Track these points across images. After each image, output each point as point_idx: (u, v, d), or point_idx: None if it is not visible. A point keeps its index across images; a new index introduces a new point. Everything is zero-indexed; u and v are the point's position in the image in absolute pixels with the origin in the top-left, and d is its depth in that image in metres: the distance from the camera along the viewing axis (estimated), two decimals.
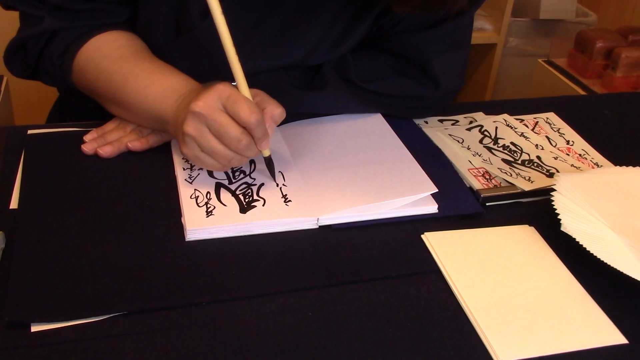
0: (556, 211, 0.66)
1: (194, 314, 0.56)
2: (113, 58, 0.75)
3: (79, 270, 0.59)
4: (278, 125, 0.81)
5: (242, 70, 0.66)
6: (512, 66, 2.09)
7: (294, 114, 0.83)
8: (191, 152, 0.67)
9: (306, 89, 0.82)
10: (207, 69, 0.74)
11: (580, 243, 0.63)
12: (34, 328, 0.53)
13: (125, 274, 0.59)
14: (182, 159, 0.75)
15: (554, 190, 0.69)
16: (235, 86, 0.67)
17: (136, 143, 0.75)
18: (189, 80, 0.73)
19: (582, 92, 1.44)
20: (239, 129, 0.65)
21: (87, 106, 0.89)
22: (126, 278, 0.58)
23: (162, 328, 0.54)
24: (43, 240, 0.62)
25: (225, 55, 0.65)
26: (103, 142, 0.75)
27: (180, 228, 0.65)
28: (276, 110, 0.68)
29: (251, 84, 0.68)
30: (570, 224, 0.65)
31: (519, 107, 0.96)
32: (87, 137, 0.76)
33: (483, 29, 2.00)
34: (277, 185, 0.71)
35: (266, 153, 0.71)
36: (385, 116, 0.86)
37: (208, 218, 0.65)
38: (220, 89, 0.65)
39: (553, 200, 0.68)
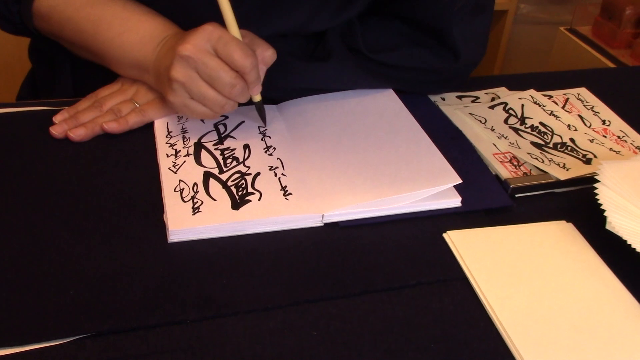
0: (602, 207, 0.57)
1: (176, 334, 0.48)
2: (77, 4, 0.69)
3: (40, 280, 0.50)
4: (276, 104, 0.73)
5: (231, 9, 0.61)
6: (524, 34, 1.99)
7: (294, 89, 0.74)
8: (179, 99, 0.63)
9: (308, 60, 0.73)
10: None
11: (631, 245, 0.54)
12: None
13: (94, 285, 0.50)
14: (166, 143, 0.65)
15: (595, 180, 0.60)
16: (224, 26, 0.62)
17: (113, 124, 0.66)
18: (167, 24, 0.68)
19: (610, 64, 1.33)
20: (232, 73, 0.61)
21: (62, 80, 0.80)
22: (96, 290, 0.50)
23: (139, 353, 0.46)
24: None
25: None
26: (75, 123, 0.67)
27: (161, 227, 0.56)
28: (267, 52, 0.64)
29: None
30: (618, 222, 0.56)
31: (545, 81, 0.86)
32: (56, 118, 0.68)
33: None
34: (261, 129, 0.68)
35: (257, 98, 0.67)
36: (397, 92, 0.76)
37: (194, 216, 0.56)
38: (210, 30, 0.60)
39: (597, 194, 0.58)
